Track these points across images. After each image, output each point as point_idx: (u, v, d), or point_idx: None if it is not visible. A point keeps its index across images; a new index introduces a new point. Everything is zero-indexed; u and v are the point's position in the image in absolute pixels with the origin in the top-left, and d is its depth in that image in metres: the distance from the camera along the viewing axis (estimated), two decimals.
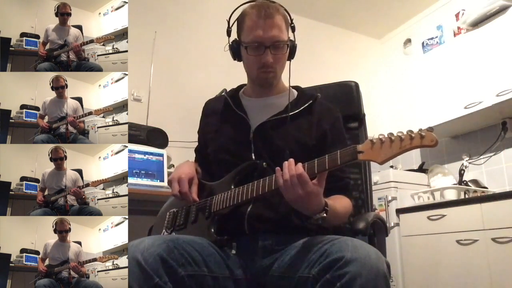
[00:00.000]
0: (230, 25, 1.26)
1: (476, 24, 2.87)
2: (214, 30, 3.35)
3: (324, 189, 0.97)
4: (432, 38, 3.36)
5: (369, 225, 1.13)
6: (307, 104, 1.23)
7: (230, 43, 1.25)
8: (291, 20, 1.24)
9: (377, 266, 0.83)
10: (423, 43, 3.42)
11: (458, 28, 3.09)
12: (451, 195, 2.69)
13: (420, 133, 0.80)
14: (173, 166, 2.69)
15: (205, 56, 3.26)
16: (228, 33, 1.26)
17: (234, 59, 1.27)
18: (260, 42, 1.15)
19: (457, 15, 3.21)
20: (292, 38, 1.23)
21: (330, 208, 0.98)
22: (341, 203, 1.09)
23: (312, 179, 0.94)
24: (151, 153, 2.41)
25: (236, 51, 1.24)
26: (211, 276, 0.97)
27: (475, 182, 2.89)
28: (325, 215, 0.96)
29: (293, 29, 1.24)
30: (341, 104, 1.41)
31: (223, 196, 1.11)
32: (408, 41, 3.87)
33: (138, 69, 2.98)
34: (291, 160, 0.96)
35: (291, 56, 1.24)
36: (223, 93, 2.80)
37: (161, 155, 2.44)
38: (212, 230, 1.10)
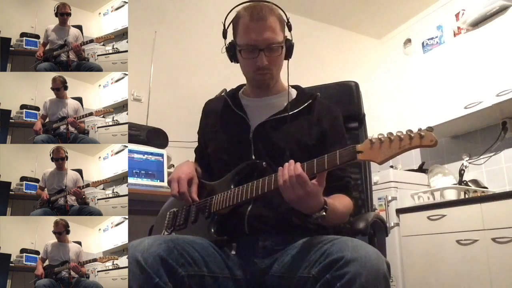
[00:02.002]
0: (226, 27, 1.26)
1: (476, 24, 2.87)
2: (214, 30, 3.33)
3: (324, 188, 0.97)
4: (432, 38, 3.36)
5: (369, 225, 1.13)
6: (306, 104, 1.22)
7: (226, 46, 1.25)
8: (287, 18, 1.22)
9: (377, 266, 0.82)
10: (423, 43, 3.42)
11: (458, 28, 3.09)
12: (451, 195, 2.69)
13: (419, 133, 0.79)
14: (173, 166, 2.69)
15: (205, 56, 3.26)
16: (224, 35, 1.27)
17: (231, 61, 1.27)
18: (254, 45, 1.15)
19: (457, 15, 3.21)
20: (289, 36, 1.22)
21: (329, 206, 0.98)
22: (341, 202, 1.09)
23: (312, 178, 0.94)
24: (151, 153, 2.41)
25: (232, 53, 1.24)
26: (211, 276, 0.97)
27: (475, 182, 2.89)
28: (324, 213, 0.96)
29: (290, 28, 1.23)
30: (341, 104, 1.41)
31: (223, 196, 1.11)
32: (408, 41, 3.87)
33: (138, 69, 2.98)
34: (291, 161, 0.96)
35: (288, 55, 1.23)
36: (223, 93, 2.80)
37: (161, 155, 2.44)
38: (212, 230, 1.09)
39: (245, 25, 1.16)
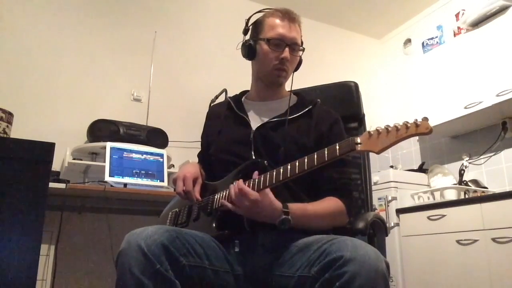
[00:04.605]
0: (248, 25, 1.32)
1: (476, 24, 2.87)
2: (214, 30, 3.36)
3: (318, 191, 1.03)
4: (432, 38, 3.37)
5: (369, 224, 1.13)
6: (306, 109, 1.26)
7: (245, 41, 1.30)
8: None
9: (376, 265, 0.82)
10: (423, 43, 3.42)
11: (458, 28, 3.09)
12: (451, 195, 2.69)
13: (415, 122, 0.82)
14: (173, 166, 2.69)
15: (205, 56, 3.26)
16: (245, 31, 1.33)
17: (246, 57, 1.31)
18: (282, 40, 1.22)
19: (457, 15, 3.21)
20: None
21: (293, 209, 1.01)
22: (320, 204, 1.11)
23: (310, 178, 0.98)
24: (150, 153, 2.41)
25: (251, 49, 1.28)
26: (211, 269, 0.98)
27: (475, 182, 2.89)
28: (285, 217, 1.00)
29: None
30: (341, 105, 1.42)
31: (225, 193, 1.12)
32: (408, 41, 3.87)
33: (138, 69, 2.98)
34: (238, 181, 1.03)
35: (296, 67, 1.31)
36: (223, 93, 2.82)
37: (160, 155, 2.44)
38: (214, 225, 1.11)
39: (276, 21, 1.25)
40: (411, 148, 3.66)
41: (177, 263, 0.90)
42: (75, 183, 2.19)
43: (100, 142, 2.37)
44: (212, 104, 1.37)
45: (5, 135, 2.05)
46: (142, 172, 2.32)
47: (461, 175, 2.92)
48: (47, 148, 1.79)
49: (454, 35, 3.16)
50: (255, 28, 1.30)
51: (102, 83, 2.85)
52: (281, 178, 0.99)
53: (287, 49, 1.23)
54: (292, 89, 1.32)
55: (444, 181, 3.04)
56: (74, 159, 2.36)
